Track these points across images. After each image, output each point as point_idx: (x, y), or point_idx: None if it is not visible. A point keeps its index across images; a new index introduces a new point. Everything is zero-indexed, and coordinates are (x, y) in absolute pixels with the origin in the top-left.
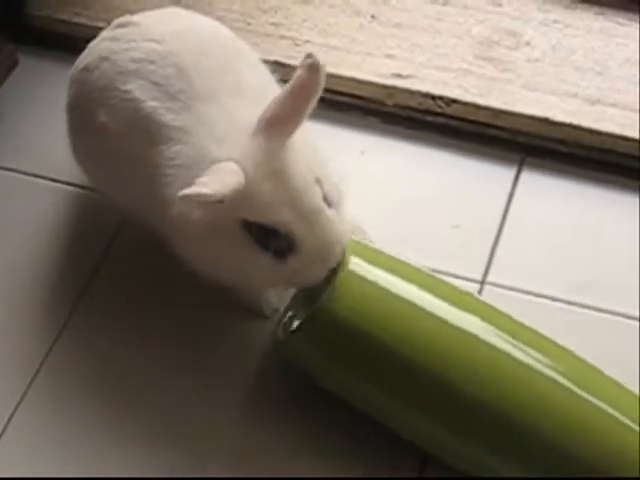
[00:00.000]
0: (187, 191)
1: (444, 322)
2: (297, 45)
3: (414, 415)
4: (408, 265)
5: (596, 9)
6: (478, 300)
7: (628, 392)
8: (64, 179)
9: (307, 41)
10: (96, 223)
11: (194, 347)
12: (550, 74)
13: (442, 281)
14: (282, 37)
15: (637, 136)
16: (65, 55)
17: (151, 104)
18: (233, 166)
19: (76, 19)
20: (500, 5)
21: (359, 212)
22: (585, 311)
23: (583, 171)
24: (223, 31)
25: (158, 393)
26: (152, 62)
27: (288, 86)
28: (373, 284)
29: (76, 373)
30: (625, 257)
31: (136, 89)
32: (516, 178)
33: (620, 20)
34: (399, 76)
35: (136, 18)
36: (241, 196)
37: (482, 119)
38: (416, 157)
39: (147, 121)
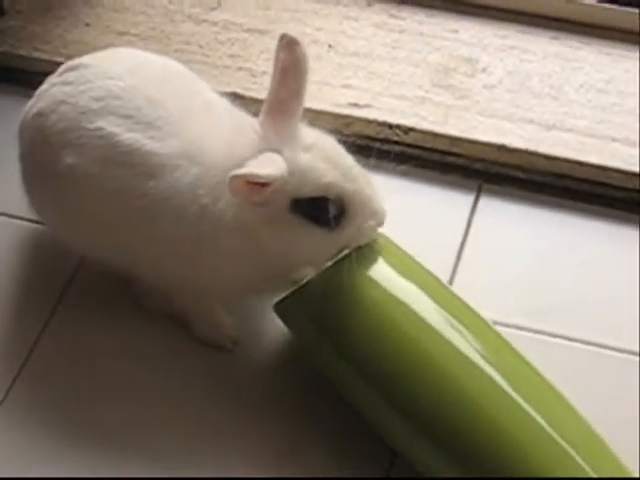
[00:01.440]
0: (239, 171)
1: (430, 330)
2: (254, 76)
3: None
4: (421, 271)
5: (552, 34)
6: (478, 318)
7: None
8: (21, 215)
9: (264, 72)
10: (54, 259)
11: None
12: (506, 100)
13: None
14: (240, 69)
15: (593, 161)
16: (25, 90)
17: (130, 136)
18: (270, 154)
19: (35, 54)
20: (456, 32)
21: None
22: (543, 337)
23: (540, 197)
24: (171, 62)
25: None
26: (118, 97)
27: (275, 70)
28: (378, 274)
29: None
30: (581, 282)
31: (108, 125)
32: (474, 205)
33: (576, 44)
34: (356, 105)
35: (85, 60)
36: (286, 177)
37: (439, 147)
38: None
39: (128, 155)
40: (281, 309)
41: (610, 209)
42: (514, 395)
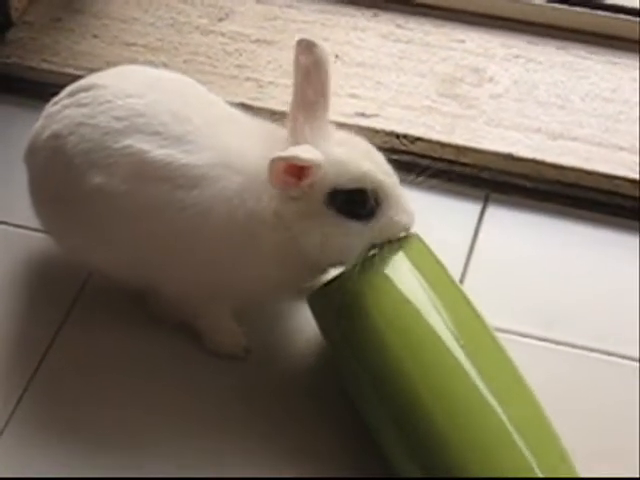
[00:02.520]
0: (282, 153)
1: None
2: (261, 87)
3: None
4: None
5: (558, 43)
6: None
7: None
8: (32, 225)
9: (271, 82)
10: (63, 270)
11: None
12: (513, 110)
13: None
14: (247, 79)
15: (600, 169)
16: (34, 101)
17: (162, 152)
18: (308, 145)
19: (44, 65)
20: (463, 42)
21: None
22: (549, 345)
23: (547, 205)
24: (182, 76)
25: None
26: (141, 115)
27: (297, 75)
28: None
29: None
30: (588, 291)
31: (136, 142)
32: (481, 214)
33: (582, 53)
34: (363, 115)
35: (98, 80)
36: (325, 167)
37: (446, 156)
38: None
39: (163, 169)
40: (313, 299)
41: (617, 217)
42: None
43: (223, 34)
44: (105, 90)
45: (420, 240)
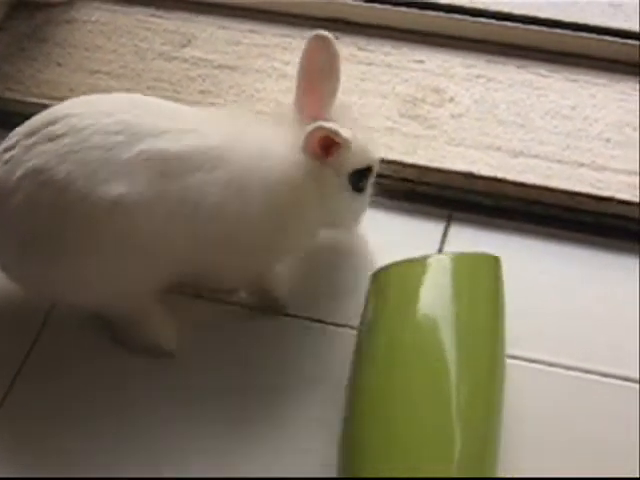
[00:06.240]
0: (325, 124)
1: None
2: None
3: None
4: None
5: (518, 62)
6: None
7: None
8: None
9: None
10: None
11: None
12: (474, 129)
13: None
14: (211, 104)
15: (561, 186)
16: None
17: (181, 144)
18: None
19: (8, 94)
20: (423, 62)
21: None
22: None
23: (510, 223)
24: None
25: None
26: (136, 124)
27: (308, 66)
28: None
29: None
30: (553, 305)
31: (151, 146)
32: (444, 233)
33: (542, 72)
34: None
35: (63, 112)
36: (349, 150)
37: (409, 176)
38: None
39: (189, 161)
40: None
41: (579, 233)
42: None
43: (186, 60)
44: (80, 117)
45: (494, 263)
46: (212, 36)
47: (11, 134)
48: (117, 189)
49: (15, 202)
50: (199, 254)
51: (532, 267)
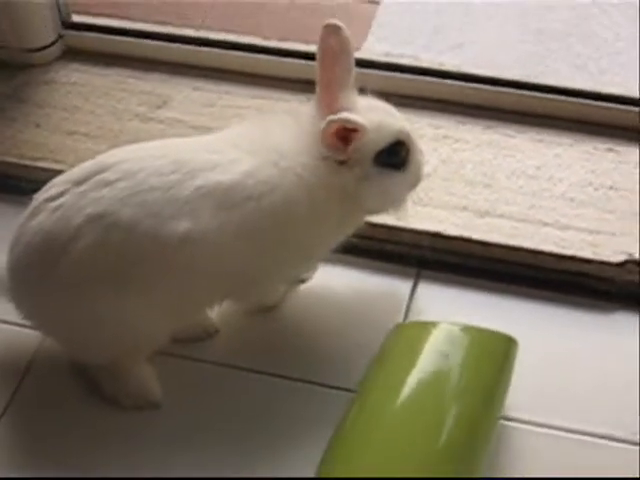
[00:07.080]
0: (335, 116)
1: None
2: None
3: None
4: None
5: (485, 122)
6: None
7: None
8: None
9: None
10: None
11: None
12: (441, 188)
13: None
14: None
15: (525, 245)
16: None
17: (230, 175)
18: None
19: None
20: None
21: None
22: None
23: (476, 281)
24: None
25: None
26: (185, 162)
27: (325, 55)
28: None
29: None
30: (519, 363)
31: (207, 180)
32: (413, 291)
33: (508, 132)
34: None
35: (111, 159)
36: (368, 134)
37: (377, 235)
38: (315, 275)
39: (243, 189)
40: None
41: (543, 291)
42: None
43: (161, 121)
44: (131, 162)
45: (511, 346)
46: (187, 98)
47: (49, 184)
48: (183, 225)
49: (79, 248)
50: (251, 268)
51: (497, 322)
